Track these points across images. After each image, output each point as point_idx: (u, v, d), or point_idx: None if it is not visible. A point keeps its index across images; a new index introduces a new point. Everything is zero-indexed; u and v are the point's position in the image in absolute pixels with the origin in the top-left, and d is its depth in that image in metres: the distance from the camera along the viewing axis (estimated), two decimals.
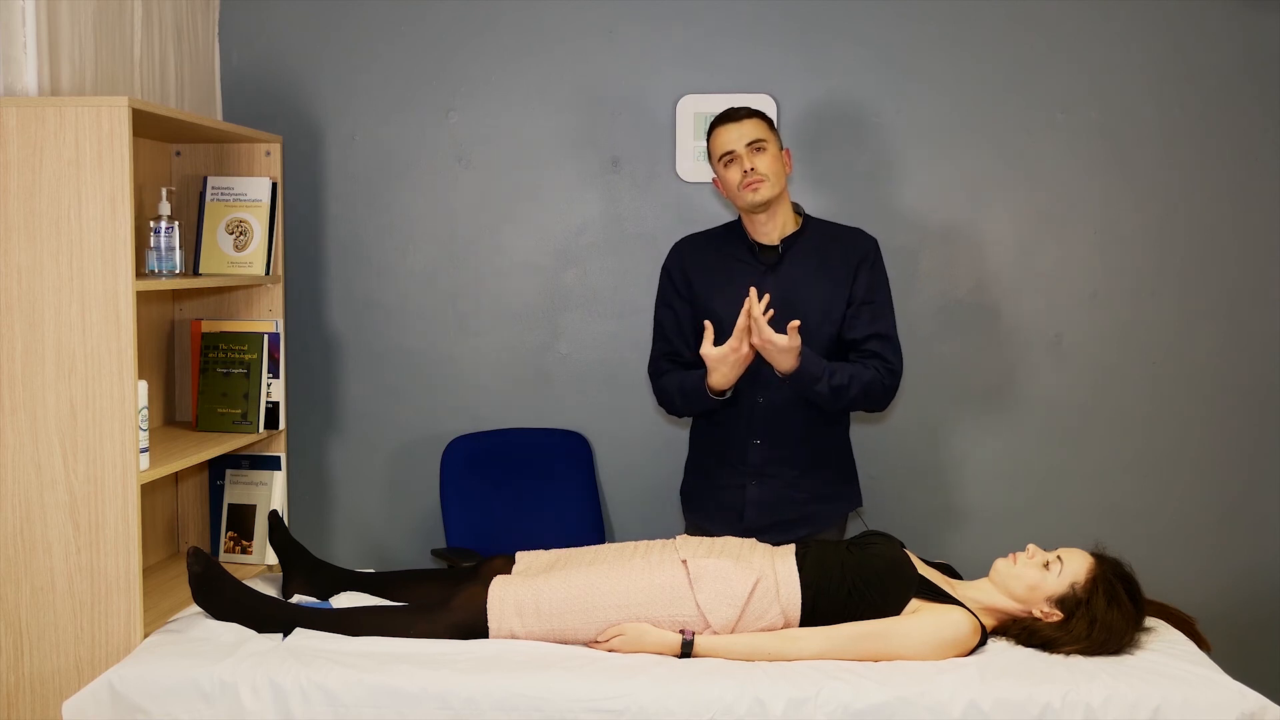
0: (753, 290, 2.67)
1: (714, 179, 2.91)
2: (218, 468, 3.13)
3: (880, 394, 2.83)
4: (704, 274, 2.90)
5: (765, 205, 2.81)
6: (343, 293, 3.47)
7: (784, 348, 2.65)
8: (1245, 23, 3.30)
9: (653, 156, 3.40)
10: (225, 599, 2.51)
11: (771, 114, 3.31)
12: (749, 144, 2.79)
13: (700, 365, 2.82)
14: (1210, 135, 3.33)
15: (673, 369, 2.93)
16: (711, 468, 2.93)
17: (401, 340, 3.47)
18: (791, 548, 2.59)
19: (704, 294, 2.89)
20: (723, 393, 2.76)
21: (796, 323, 2.64)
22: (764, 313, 2.67)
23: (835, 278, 2.86)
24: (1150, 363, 3.39)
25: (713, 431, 2.91)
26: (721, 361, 2.70)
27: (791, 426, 2.85)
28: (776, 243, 2.87)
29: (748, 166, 2.78)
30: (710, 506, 2.93)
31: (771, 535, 2.74)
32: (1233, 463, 3.41)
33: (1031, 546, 2.55)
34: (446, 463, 3.29)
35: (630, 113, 3.39)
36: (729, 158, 2.81)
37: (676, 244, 3.01)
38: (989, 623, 2.50)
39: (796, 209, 2.92)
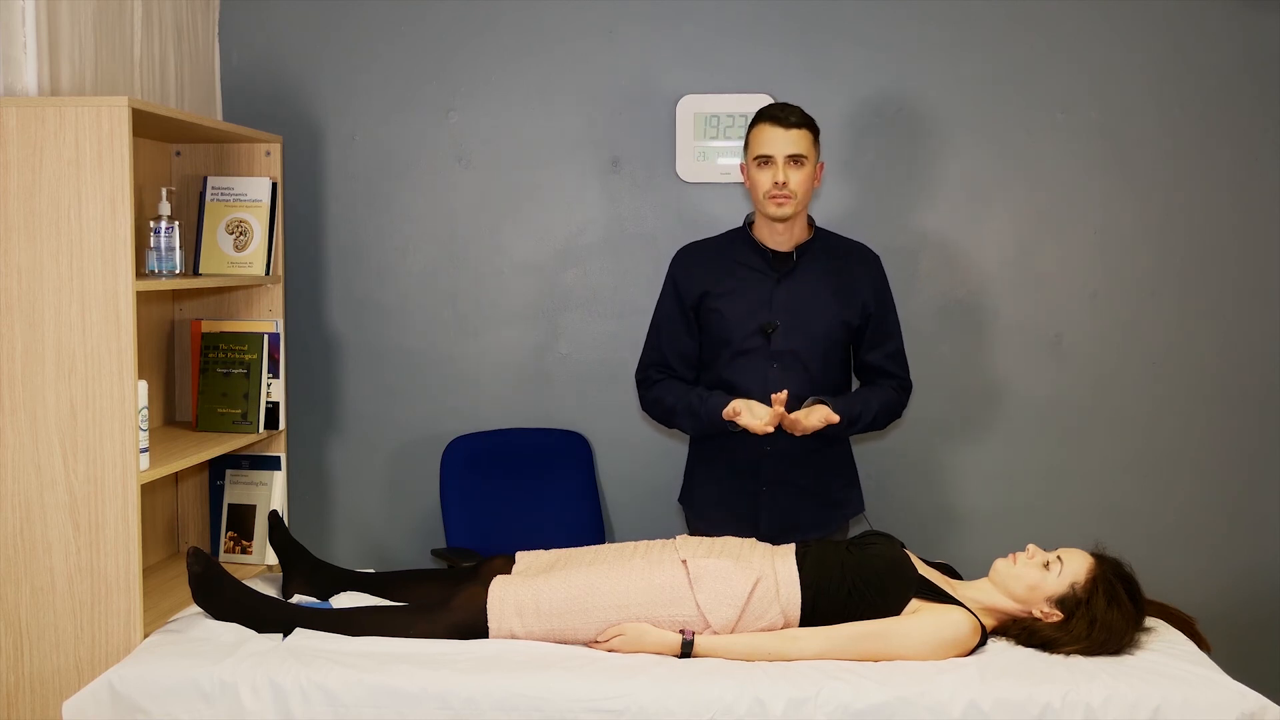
0: (778, 399, 2.68)
1: (742, 165, 2.87)
2: (218, 468, 3.13)
3: (897, 410, 2.93)
4: (713, 282, 2.88)
5: (784, 220, 2.80)
6: (343, 293, 3.47)
7: (819, 425, 2.71)
8: (1245, 23, 3.30)
9: (653, 156, 3.39)
10: (225, 599, 2.51)
11: None
12: (789, 155, 2.73)
13: (693, 375, 2.90)
14: (1210, 135, 3.33)
15: (664, 379, 2.92)
16: (722, 476, 2.92)
17: (401, 340, 3.47)
18: (791, 547, 2.59)
19: (713, 302, 2.87)
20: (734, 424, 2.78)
21: (820, 409, 2.71)
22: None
23: (843, 291, 2.86)
24: (1150, 363, 3.39)
25: (722, 440, 2.90)
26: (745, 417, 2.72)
27: None
28: (789, 250, 2.86)
29: (780, 179, 2.73)
30: (722, 515, 2.90)
31: (784, 542, 2.73)
32: (1233, 462, 3.41)
33: (1031, 546, 2.55)
34: (446, 463, 3.29)
35: (630, 113, 3.39)
36: (765, 160, 2.75)
37: (680, 252, 2.97)
38: (989, 623, 2.50)
39: (807, 219, 2.91)
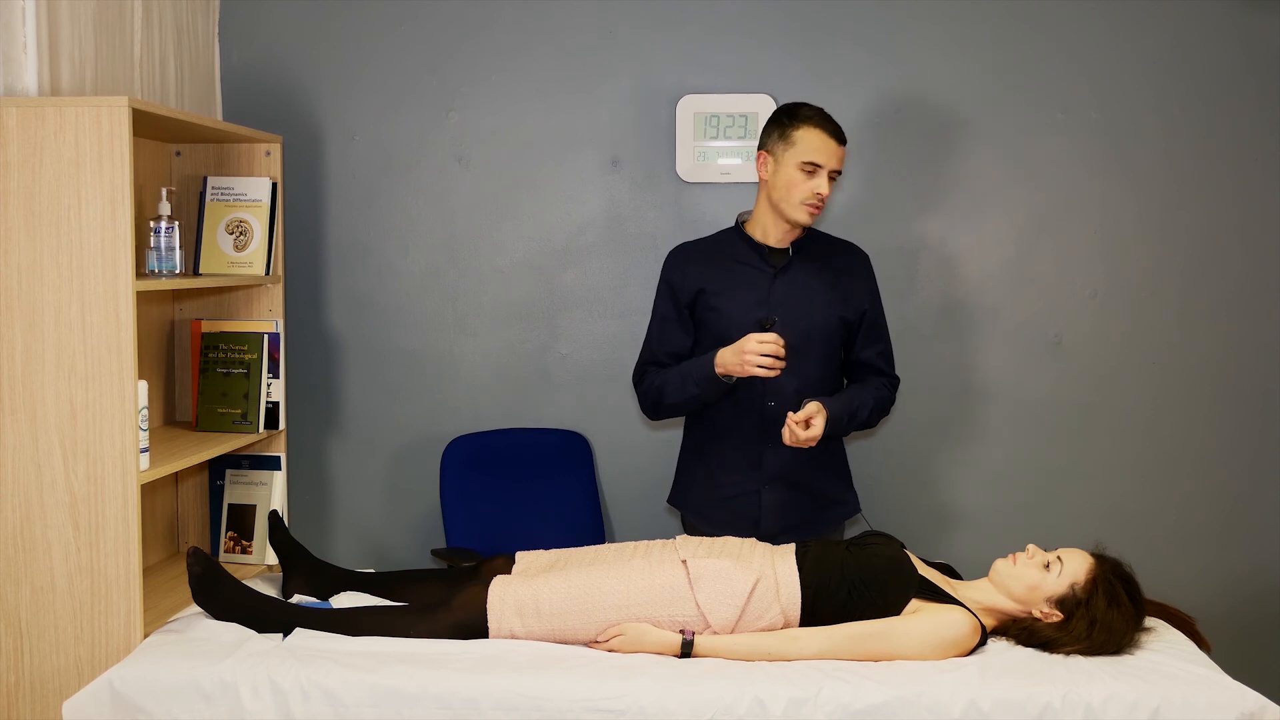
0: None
1: (761, 153, 2.82)
2: (218, 468, 3.13)
3: (887, 407, 2.93)
4: (708, 279, 2.87)
5: (804, 226, 2.81)
6: (343, 293, 3.47)
7: (819, 435, 2.70)
8: (1245, 23, 3.30)
9: (653, 156, 3.39)
10: (225, 599, 2.51)
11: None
12: (832, 170, 2.76)
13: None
14: (1210, 135, 3.33)
15: (657, 372, 2.92)
16: (720, 476, 2.91)
17: (401, 340, 3.47)
18: (791, 547, 2.59)
19: (710, 299, 2.86)
20: (729, 378, 2.76)
21: (812, 411, 2.69)
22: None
23: (840, 288, 2.87)
24: (1150, 363, 3.39)
25: (720, 438, 2.90)
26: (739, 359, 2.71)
27: None
28: (785, 246, 2.87)
29: (822, 191, 2.75)
30: (722, 514, 2.90)
31: (783, 540, 2.73)
32: (1233, 463, 3.41)
33: (1031, 547, 2.55)
34: (446, 463, 3.29)
35: (630, 113, 3.39)
36: (812, 168, 2.74)
37: (673, 252, 2.97)
38: (989, 623, 2.50)
39: None
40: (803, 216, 2.78)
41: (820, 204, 2.77)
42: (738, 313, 2.83)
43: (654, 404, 2.92)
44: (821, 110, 2.79)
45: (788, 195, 2.77)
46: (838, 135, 2.77)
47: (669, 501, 3.06)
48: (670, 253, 2.97)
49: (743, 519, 2.86)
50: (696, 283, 2.88)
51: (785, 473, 2.85)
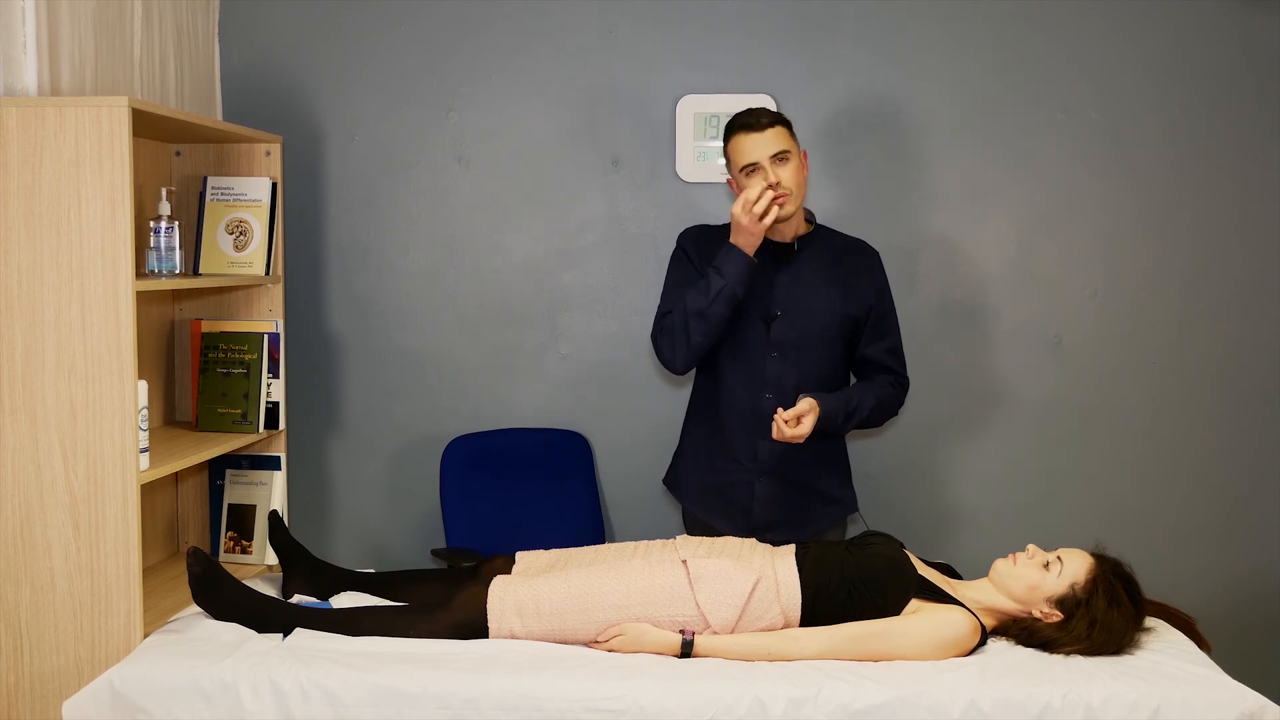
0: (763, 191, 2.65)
1: (729, 180, 2.85)
2: (218, 468, 3.13)
3: (893, 407, 2.91)
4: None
5: (787, 218, 2.79)
6: (343, 293, 3.47)
7: (808, 432, 2.69)
8: (1245, 23, 3.30)
9: (653, 156, 3.39)
10: (225, 599, 2.51)
11: None
12: (773, 156, 2.72)
13: None
14: (1210, 135, 3.33)
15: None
16: (717, 463, 2.92)
17: (401, 340, 3.47)
18: (791, 548, 2.59)
19: None
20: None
21: (804, 409, 2.68)
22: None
23: (843, 284, 2.86)
24: (1151, 363, 3.39)
25: (718, 428, 2.90)
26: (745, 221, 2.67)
27: None
28: (789, 241, 2.86)
29: (773, 180, 2.71)
30: (716, 502, 2.91)
31: (778, 534, 2.74)
32: (1233, 463, 3.41)
33: (1031, 547, 2.55)
34: (446, 463, 3.29)
35: (630, 113, 3.39)
36: (751, 169, 2.73)
37: (688, 229, 2.96)
38: (989, 623, 2.50)
39: (806, 213, 2.91)
40: (771, 213, 2.75)
41: (780, 193, 2.71)
42: (740, 306, 2.82)
43: (682, 330, 2.77)
44: (744, 111, 2.77)
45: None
46: (757, 125, 2.73)
47: (664, 481, 3.07)
48: (685, 230, 2.96)
49: (736, 508, 2.87)
50: (708, 262, 2.83)
51: (779, 466, 2.85)
